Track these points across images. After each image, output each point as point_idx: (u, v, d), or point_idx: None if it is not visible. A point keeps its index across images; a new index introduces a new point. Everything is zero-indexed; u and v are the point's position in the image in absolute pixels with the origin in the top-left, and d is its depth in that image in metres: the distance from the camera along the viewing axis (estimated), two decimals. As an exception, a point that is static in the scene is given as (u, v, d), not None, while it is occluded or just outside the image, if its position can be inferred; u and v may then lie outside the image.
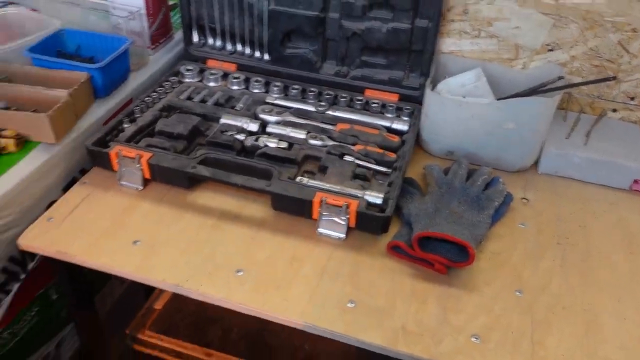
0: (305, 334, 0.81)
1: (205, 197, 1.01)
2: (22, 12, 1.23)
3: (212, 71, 1.26)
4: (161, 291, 1.38)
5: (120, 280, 1.33)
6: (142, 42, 1.23)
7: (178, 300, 1.37)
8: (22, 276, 0.98)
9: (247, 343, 1.28)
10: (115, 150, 1.00)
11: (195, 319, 1.33)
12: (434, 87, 1.13)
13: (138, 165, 0.99)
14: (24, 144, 0.98)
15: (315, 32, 1.20)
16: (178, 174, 0.98)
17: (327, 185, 0.96)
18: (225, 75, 1.26)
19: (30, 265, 0.99)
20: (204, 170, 0.98)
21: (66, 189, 1.03)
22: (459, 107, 1.05)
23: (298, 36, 1.23)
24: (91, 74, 1.06)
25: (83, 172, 1.07)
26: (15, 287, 0.97)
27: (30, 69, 1.07)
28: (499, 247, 0.94)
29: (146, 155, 0.99)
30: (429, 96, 1.08)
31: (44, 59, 1.08)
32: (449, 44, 1.19)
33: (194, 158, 1.00)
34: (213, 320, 1.32)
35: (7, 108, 1.02)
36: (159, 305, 1.36)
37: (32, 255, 0.98)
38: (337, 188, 0.95)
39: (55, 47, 1.15)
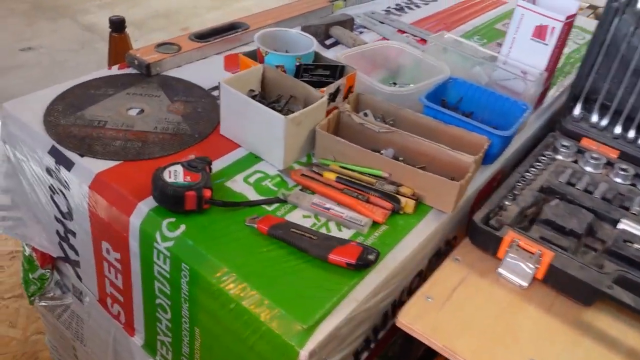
0: None
1: (604, 320, 0.83)
2: (405, 49, 1.15)
3: (594, 155, 1.07)
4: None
5: None
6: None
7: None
8: (372, 345, 0.89)
9: None
10: (510, 236, 0.86)
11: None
12: None
13: (534, 264, 0.84)
14: (417, 205, 0.88)
15: None
16: (584, 288, 0.82)
17: None
18: (608, 163, 1.07)
19: (380, 335, 0.90)
20: (623, 296, 0.80)
21: (430, 259, 0.93)
22: None
23: None
24: (492, 140, 0.94)
25: (447, 243, 0.96)
26: (364, 355, 0.88)
27: (419, 118, 0.98)
28: None
29: (548, 254, 0.84)
30: None
31: (438, 109, 0.98)
32: None
33: (606, 273, 0.83)
34: None
35: (395, 158, 0.94)
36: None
37: (383, 324, 0.89)
38: None
39: (440, 96, 1.06)
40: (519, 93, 1.09)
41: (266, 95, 1.00)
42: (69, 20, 3.39)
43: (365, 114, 1.02)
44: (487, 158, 0.97)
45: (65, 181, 0.90)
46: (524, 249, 0.86)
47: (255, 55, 1.03)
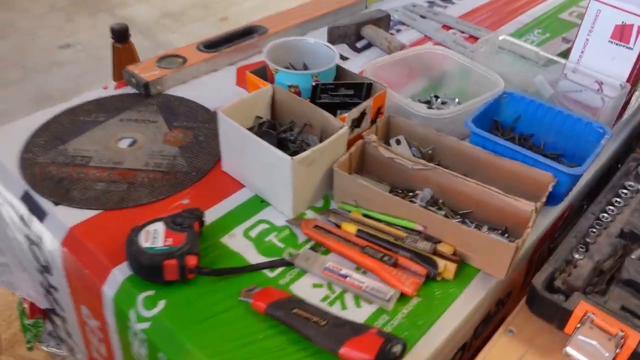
0: None
1: None
2: (449, 55, 0.95)
3: (690, 186, 0.85)
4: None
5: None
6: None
7: None
8: None
9: None
10: (582, 309, 0.67)
11: None
12: None
13: (613, 347, 0.64)
14: (459, 268, 0.69)
15: None
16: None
17: None
18: None
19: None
20: None
21: (477, 328, 0.74)
22: None
23: None
24: (558, 177, 0.74)
25: (499, 302, 0.78)
26: None
27: (464, 148, 0.79)
28: None
29: (633, 336, 0.64)
30: None
31: (487, 138, 0.78)
32: None
33: None
34: None
35: (434, 203, 0.75)
36: None
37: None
38: None
39: (492, 115, 0.86)
40: (593, 108, 0.87)
41: (277, 121, 0.83)
42: (106, 15, 3.31)
43: (398, 141, 0.83)
44: (552, 198, 0.77)
45: (38, 234, 0.77)
46: (602, 329, 0.66)
47: (265, 72, 0.86)
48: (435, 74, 0.99)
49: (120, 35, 1.11)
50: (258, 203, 0.77)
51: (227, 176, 0.81)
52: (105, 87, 0.99)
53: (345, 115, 0.78)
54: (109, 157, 0.83)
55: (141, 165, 0.82)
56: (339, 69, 0.87)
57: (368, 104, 0.81)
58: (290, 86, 0.83)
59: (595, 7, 0.85)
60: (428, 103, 0.96)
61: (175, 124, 0.91)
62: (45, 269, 0.82)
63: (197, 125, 0.90)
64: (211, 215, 0.75)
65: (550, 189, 0.72)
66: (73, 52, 2.96)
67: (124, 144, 0.86)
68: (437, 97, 0.96)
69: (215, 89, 0.99)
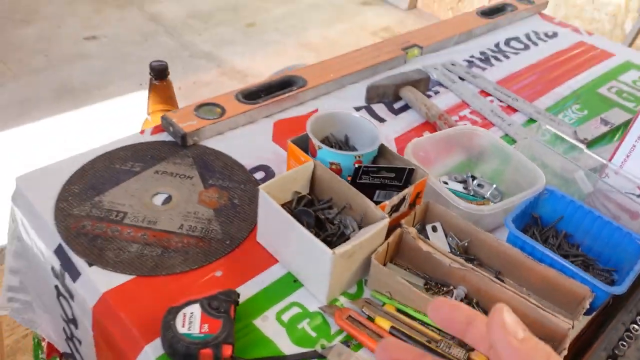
0: None
1: None
2: (492, 141, 0.95)
3: None
4: None
5: None
6: None
7: None
8: None
9: None
10: None
11: None
12: None
13: None
14: (489, 379, 0.69)
15: None
16: None
17: None
18: None
19: None
20: None
21: None
22: None
23: None
24: (595, 293, 0.73)
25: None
26: None
27: (503, 247, 0.78)
28: None
29: None
30: None
31: (526, 241, 0.78)
32: None
33: None
34: None
35: (467, 303, 0.75)
36: None
37: None
38: None
39: (531, 210, 0.85)
40: (633, 211, 0.87)
41: (315, 194, 0.83)
42: (135, 9, 3.30)
43: (434, 228, 0.83)
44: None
45: (70, 291, 0.77)
46: None
47: (306, 142, 0.86)
48: (474, 149, 0.98)
49: (159, 73, 1.11)
50: (291, 282, 0.77)
51: (261, 248, 0.81)
52: (142, 132, 0.99)
53: (386, 203, 0.78)
54: (144, 215, 0.83)
55: (175, 227, 0.82)
56: (381, 147, 0.87)
57: (409, 191, 0.81)
58: (331, 163, 0.83)
59: (645, 114, 0.85)
60: (464, 183, 0.96)
61: (211, 181, 0.90)
62: (72, 322, 0.82)
63: (232, 186, 0.90)
64: (245, 292, 0.74)
65: (587, 305, 0.72)
66: (99, 45, 2.95)
67: (158, 200, 0.86)
68: (474, 177, 0.96)
69: (252, 143, 0.99)
